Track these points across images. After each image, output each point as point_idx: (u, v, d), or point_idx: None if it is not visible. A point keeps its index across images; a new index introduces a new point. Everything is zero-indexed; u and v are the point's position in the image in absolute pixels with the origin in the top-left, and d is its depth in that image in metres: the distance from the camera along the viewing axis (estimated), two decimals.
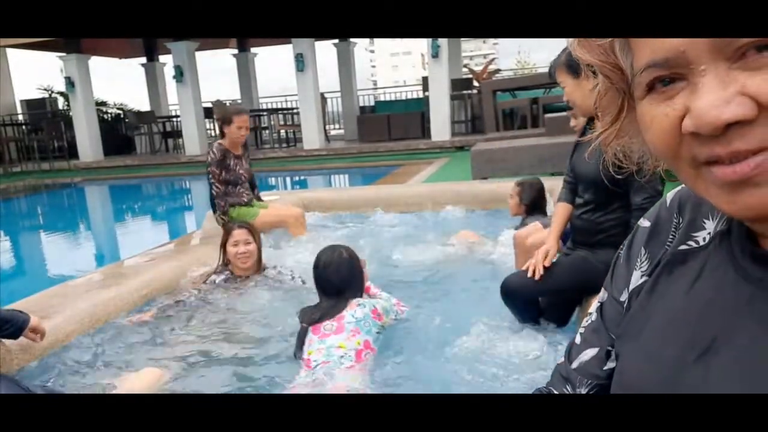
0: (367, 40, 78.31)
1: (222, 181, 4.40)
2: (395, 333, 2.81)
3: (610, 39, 0.52)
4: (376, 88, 23.21)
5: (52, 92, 16.38)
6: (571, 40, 0.56)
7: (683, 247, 0.60)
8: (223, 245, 3.46)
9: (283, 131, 13.69)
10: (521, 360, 2.36)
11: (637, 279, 0.64)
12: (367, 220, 5.30)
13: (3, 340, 2.58)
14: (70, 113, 13.68)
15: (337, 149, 12.36)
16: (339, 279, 2.52)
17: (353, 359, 2.29)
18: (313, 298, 2.70)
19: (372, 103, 15.44)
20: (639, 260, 0.64)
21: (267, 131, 14.29)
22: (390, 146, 11.81)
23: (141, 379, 2.36)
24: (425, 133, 12.16)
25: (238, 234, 3.41)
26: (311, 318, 2.45)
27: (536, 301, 2.64)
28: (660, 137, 0.48)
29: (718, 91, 0.43)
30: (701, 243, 0.58)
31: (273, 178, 10.36)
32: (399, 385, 2.32)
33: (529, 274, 2.47)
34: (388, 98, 16.09)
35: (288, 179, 10.56)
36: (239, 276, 3.45)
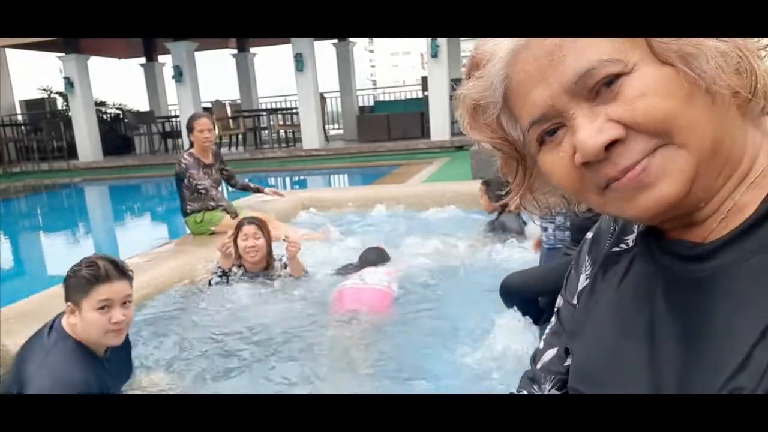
0: (366, 40, 78.25)
1: (189, 188, 4.64)
2: (393, 331, 2.81)
3: (495, 116, 0.60)
4: (375, 88, 23.22)
5: (52, 92, 16.35)
6: (463, 122, 0.63)
7: (615, 249, 0.69)
8: (234, 240, 3.62)
9: (282, 131, 13.67)
10: (519, 359, 2.36)
11: (582, 282, 0.73)
12: (367, 219, 5.30)
13: (3, 341, 2.59)
14: (70, 113, 13.65)
15: (337, 149, 12.35)
16: (374, 257, 3.67)
17: (385, 271, 3.40)
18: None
19: (371, 103, 15.41)
20: (584, 266, 0.73)
21: (266, 131, 14.26)
22: (389, 146, 11.80)
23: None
24: (425, 132, 12.14)
25: (247, 229, 3.57)
26: (355, 266, 3.61)
27: (536, 301, 2.64)
28: (563, 177, 0.57)
29: (589, 125, 0.53)
30: (630, 244, 0.67)
31: (273, 178, 10.35)
32: (394, 382, 2.33)
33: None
34: (387, 98, 16.07)
35: (287, 179, 10.55)
36: (250, 270, 3.60)
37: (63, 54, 12.97)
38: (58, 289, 3.36)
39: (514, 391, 0.82)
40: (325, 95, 14.00)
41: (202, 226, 4.67)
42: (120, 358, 2.17)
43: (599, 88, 0.52)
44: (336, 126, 16.46)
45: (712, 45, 0.51)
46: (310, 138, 12.34)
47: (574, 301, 0.73)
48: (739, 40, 0.52)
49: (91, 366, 1.95)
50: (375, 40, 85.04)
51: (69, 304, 2.01)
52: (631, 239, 0.67)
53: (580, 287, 0.73)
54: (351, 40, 14.52)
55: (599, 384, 0.63)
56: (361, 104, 15.25)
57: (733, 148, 0.54)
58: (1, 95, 14.55)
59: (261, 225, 3.62)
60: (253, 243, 3.54)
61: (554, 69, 0.53)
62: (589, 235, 0.75)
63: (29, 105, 15.78)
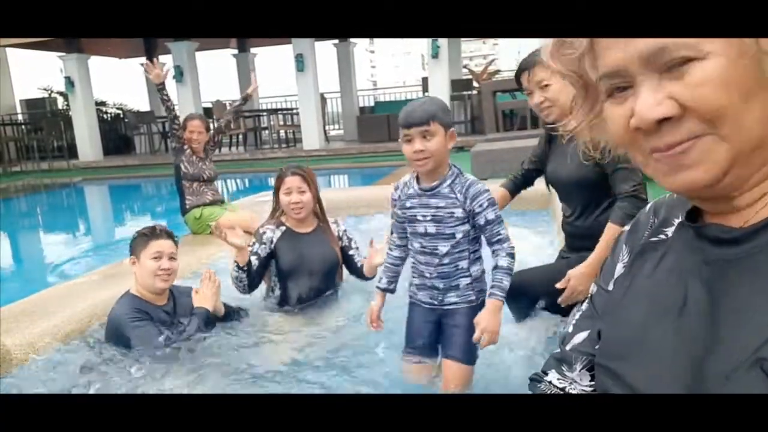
0: (367, 41, 78.30)
1: (187, 176, 4.78)
2: (390, 331, 2.81)
3: (577, 55, 0.64)
4: (375, 89, 23.19)
5: (52, 92, 16.35)
6: (546, 50, 0.66)
7: (654, 238, 0.74)
8: (276, 192, 3.11)
9: (282, 131, 13.66)
10: (517, 358, 2.36)
11: (619, 269, 0.78)
12: (366, 220, 5.29)
13: (3, 341, 2.59)
14: (70, 113, 13.66)
15: (337, 149, 12.35)
16: None
17: None
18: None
19: (372, 104, 15.41)
20: (621, 255, 0.78)
21: (267, 131, 14.27)
22: (390, 146, 11.79)
23: None
24: None
25: (291, 181, 3.00)
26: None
27: (536, 302, 2.65)
28: (617, 133, 0.62)
29: (650, 96, 0.57)
30: (669, 235, 0.72)
31: (273, 179, 10.33)
32: (390, 381, 2.33)
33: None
34: (387, 98, 16.07)
35: None
36: (297, 232, 3.06)
37: (64, 53, 12.99)
38: (58, 289, 3.39)
39: (537, 372, 0.87)
40: (326, 96, 14.00)
41: (201, 223, 4.67)
42: (183, 305, 2.82)
43: (673, 64, 0.55)
44: (336, 126, 16.45)
45: None
46: (311, 138, 12.34)
47: (610, 287, 0.78)
48: None
49: (139, 309, 2.63)
50: (375, 40, 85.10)
51: (132, 257, 2.71)
52: (670, 231, 0.72)
53: (617, 274, 0.77)
54: (352, 40, 14.52)
55: (625, 357, 0.67)
56: (361, 105, 15.25)
57: None
58: (1, 95, 14.56)
59: (306, 176, 3.04)
60: (297, 198, 2.96)
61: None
62: (626, 227, 0.80)
63: (29, 104, 15.78)
